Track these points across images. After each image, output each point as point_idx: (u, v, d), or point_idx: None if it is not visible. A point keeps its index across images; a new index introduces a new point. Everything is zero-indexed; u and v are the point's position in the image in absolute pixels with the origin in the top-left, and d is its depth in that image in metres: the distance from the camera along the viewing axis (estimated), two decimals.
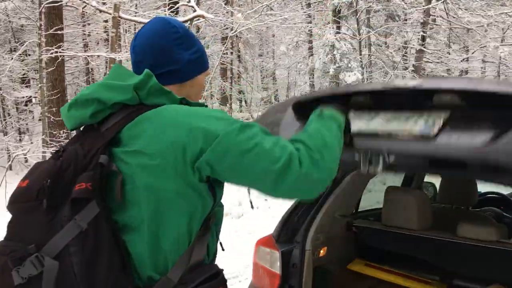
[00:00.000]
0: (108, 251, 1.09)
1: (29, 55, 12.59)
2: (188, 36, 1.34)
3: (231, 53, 14.25)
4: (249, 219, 7.54)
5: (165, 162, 1.12)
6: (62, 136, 8.96)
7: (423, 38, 14.23)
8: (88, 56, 10.49)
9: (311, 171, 1.15)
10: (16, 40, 12.93)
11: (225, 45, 11.55)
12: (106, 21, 12.18)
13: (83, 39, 13.84)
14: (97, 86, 1.22)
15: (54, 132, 8.92)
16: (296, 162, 1.14)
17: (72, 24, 12.50)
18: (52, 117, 8.91)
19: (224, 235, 6.41)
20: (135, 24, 14.75)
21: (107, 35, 12.19)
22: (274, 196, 1.17)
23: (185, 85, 1.34)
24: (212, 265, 1.25)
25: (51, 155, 1.23)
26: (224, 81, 14.19)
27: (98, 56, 11.54)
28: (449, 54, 17.54)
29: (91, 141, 1.18)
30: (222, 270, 1.25)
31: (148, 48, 1.30)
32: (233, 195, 8.34)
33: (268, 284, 2.26)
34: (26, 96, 11.85)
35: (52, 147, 8.47)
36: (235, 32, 10.97)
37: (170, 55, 1.30)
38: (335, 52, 13.02)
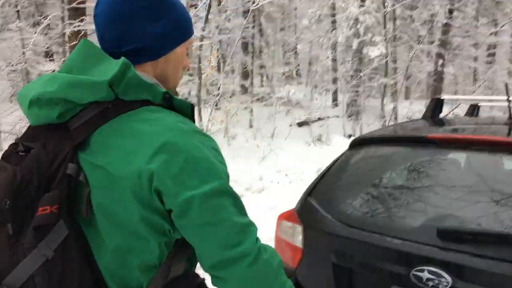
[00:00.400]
0: (78, 273, 0.97)
1: (53, 29, 12.68)
2: (159, 2, 1.09)
3: (253, 27, 14.09)
4: (270, 194, 7.58)
5: (129, 186, 0.96)
6: None
7: (450, 11, 13.81)
8: None
9: (258, 273, 1.00)
10: (40, 13, 13.01)
11: (246, 19, 11.41)
12: None
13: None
14: (63, 83, 0.99)
15: None
16: (250, 258, 0.99)
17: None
18: None
19: (247, 211, 6.53)
20: None
21: None
22: (207, 272, 1.04)
23: (159, 62, 1.12)
24: (194, 278, 1.12)
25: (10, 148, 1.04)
26: (245, 56, 14.08)
27: None
28: (477, 27, 17.00)
29: (57, 142, 1.00)
30: (204, 279, 1.15)
31: (109, 20, 1.07)
32: (254, 170, 8.38)
33: (290, 258, 2.28)
34: (50, 70, 11.99)
35: None
36: (257, 5, 10.80)
37: (137, 28, 1.06)
38: (358, 26, 12.76)
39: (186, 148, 0.98)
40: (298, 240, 2.24)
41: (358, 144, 2.43)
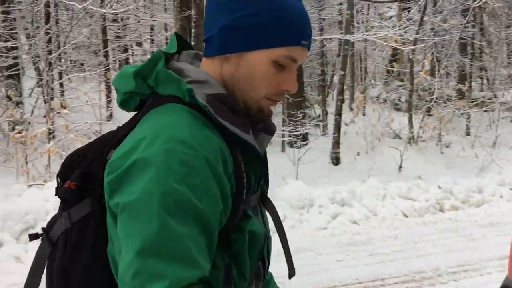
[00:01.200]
0: (89, 252, 0.93)
1: None
2: None
3: (473, 26, 12.94)
4: (491, 209, 6.86)
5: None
6: (299, 116, 9.66)
7: None
8: (323, 39, 10.98)
9: None
10: None
11: (466, 18, 10.57)
12: (340, 4, 12.47)
13: (319, 24, 14.50)
14: (119, 72, 1.03)
15: (292, 112, 9.71)
16: None
17: (309, 10, 13.21)
18: (291, 98, 9.69)
19: (462, 225, 6.01)
20: (368, 5, 14.70)
21: (341, 17, 12.50)
22: None
23: (230, 60, 0.97)
24: None
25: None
26: (463, 58, 13.02)
27: (331, 38, 12.00)
28: None
29: (121, 128, 1.01)
30: None
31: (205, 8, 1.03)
32: (471, 182, 7.70)
33: None
34: None
35: (290, 126, 9.25)
36: (478, 2, 9.90)
37: (212, 17, 0.98)
38: None
39: (145, 151, 0.84)
40: None
41: None
